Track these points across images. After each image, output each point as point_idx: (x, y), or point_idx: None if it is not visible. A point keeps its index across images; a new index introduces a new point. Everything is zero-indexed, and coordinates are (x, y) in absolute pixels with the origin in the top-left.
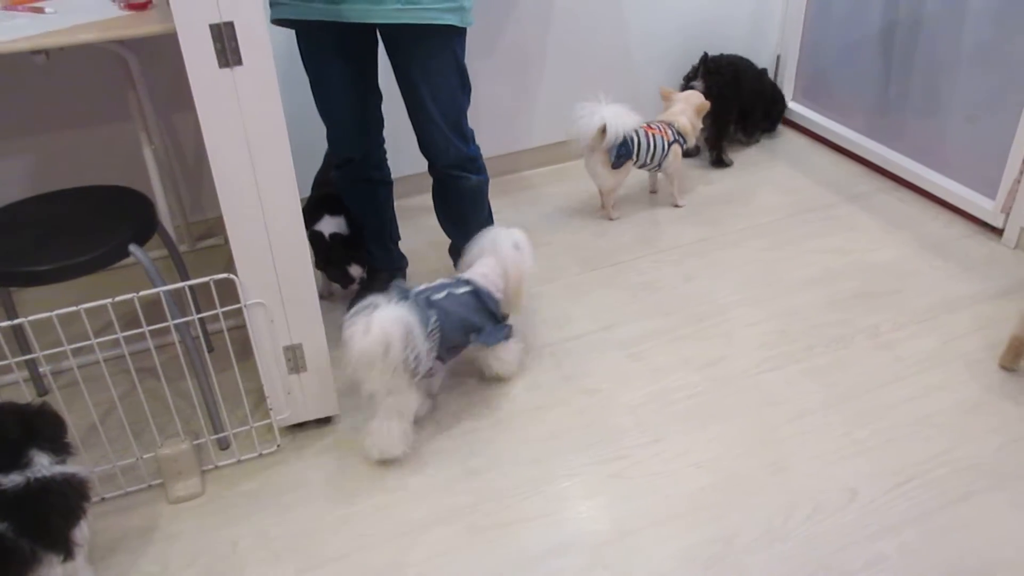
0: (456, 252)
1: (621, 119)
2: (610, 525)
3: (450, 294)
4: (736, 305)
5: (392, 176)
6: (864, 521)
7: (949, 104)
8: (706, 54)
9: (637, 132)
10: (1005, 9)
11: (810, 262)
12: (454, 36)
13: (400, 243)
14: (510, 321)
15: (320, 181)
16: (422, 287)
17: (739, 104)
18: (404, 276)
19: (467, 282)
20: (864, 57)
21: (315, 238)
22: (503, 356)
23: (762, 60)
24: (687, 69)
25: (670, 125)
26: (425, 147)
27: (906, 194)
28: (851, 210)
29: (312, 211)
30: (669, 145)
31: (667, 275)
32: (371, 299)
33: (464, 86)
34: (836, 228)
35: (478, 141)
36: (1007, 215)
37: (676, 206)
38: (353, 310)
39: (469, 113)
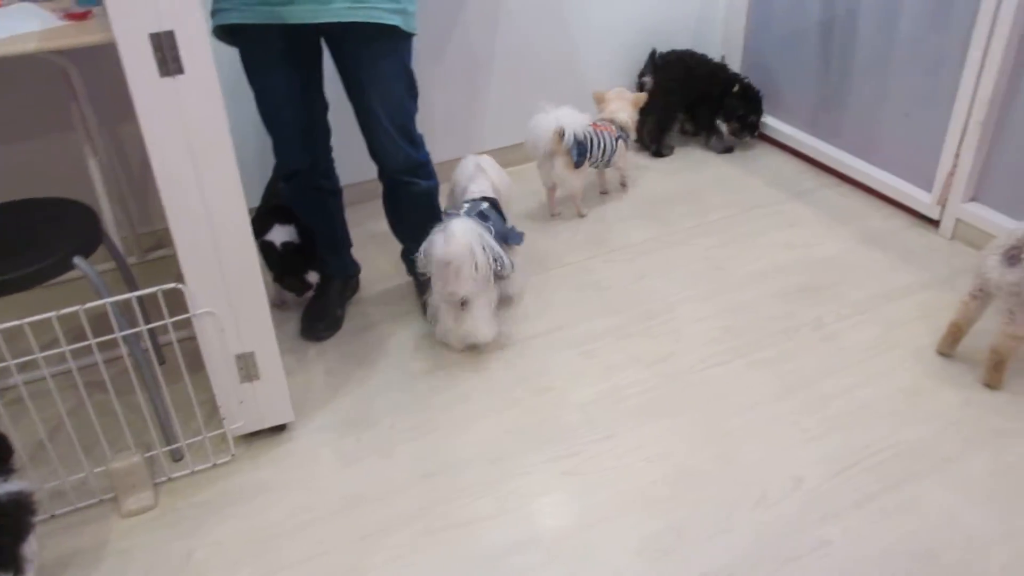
0: (408, 257)
1: (574, 119)
2: (565, 521)
3: (487, 208)
4: (685, 302)
5: (340, 184)
6: (809, 508)
7: (886, 101)
8: (654, 50)
9: (588, 131)
10: (936, 8)
11: (757, 258)
12: (401, 40)
13: (352, 249)
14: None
15: (270, 193)
16: (462, 208)
17: (688, 98)
18: (357, 283)
19: (484, 198)
20: (804, 57)
21: (267, 248)
22: (517, 279)
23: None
24: (636, 69)
25: (612, 122)
26: (374, 152)
27: (848, 189)
28: (796, 206)
29: (262, 221)
30: (616, 141)
31: (618, 274)
32: (442, 221)
33: (411, 90)
34: (782, 224)
35: (429, 147)
36: (943, 207)
37: (623, 185)
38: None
39: (420, 119)
